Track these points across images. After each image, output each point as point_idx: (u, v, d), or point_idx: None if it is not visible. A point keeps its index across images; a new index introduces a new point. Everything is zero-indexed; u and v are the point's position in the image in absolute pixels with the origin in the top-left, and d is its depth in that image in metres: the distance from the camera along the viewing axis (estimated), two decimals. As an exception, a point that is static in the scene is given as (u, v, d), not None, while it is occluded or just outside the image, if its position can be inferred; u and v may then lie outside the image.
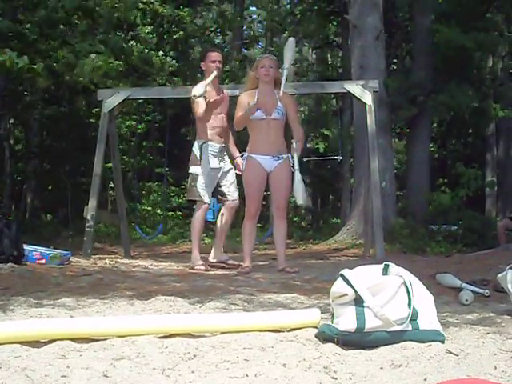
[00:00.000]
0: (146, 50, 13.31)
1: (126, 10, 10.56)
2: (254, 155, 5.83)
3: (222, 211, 6.53)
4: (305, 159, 15.54)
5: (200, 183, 6.14)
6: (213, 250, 6.58)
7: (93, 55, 8.38)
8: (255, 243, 6.67)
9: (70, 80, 9.26)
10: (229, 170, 6.35)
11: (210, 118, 6.20)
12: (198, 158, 6.16)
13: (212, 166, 6.17)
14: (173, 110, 14.64)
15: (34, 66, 7.59)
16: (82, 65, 8.27)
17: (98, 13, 9.69)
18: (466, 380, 1.93)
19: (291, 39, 6.26)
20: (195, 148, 6.22)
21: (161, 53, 13.40)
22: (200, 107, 6.11)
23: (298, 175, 5.77)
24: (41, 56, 8.47)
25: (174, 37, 16.71)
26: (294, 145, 5.80)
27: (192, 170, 6.22)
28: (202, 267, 5.99)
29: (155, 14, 15.73)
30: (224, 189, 6.33)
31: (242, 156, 6.11)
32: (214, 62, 6.28)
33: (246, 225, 5.93)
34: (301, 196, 5.81)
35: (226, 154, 6.37)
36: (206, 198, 6.18)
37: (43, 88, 11.31)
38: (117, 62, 9.11)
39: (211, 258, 6.51)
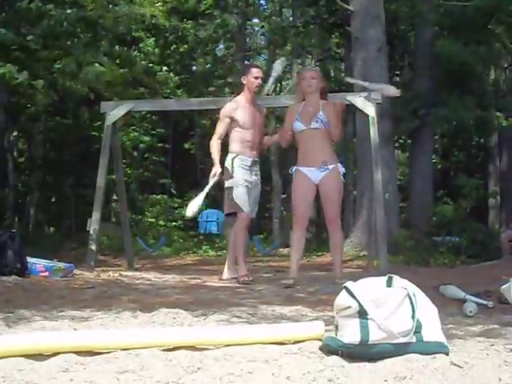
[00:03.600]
0: (151, 65, 13.36)
1: (130, 25, 10.59)
2: (300, 167, 5.81)
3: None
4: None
5: (236, 194, 6.07)
6: (227, 266, 6.39)
7: (96, 64, 8.40)
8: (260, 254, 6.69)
9: (73, 89, 9.28)
10: (256, 185, 6.31)
11: (239, 133, 6.21)
12: (230, 171, 6.13)
13: (245, 178, 6.14)
14: (176, 121, 14.68)
15: (34, 83, 7.59)
16: (85, 72, 8.27)
17: (101, 25, 9.72)
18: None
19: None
20: (227, 162, 6.19)
21: (165, 68, 13.46)
22: (220, 128, 6.23)
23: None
24: (43, 66, 8.48)
25: (177, 48, 16.80)
26: None
27: (226, 184, 6.17)
28: (247, 278, 5.90)
29: (159, 27, 15.81)
30: None
31: (290, 170, 6.05)
32: (256, 78, 6.29)
33: (294, 233, 5.90)
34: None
35: (257, 168, 6.33)
36: (246, 207, 6.09)
37: (46, 103, 11.34)
38: (122, 69, 9.12)
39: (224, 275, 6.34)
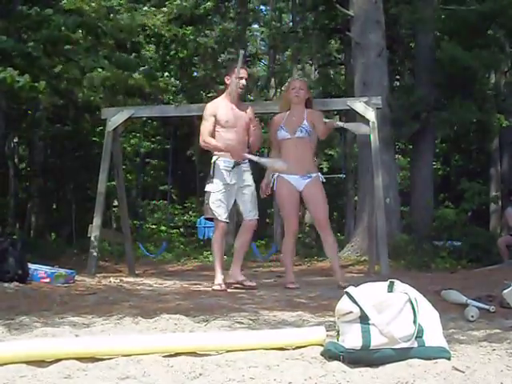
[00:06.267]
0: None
1: (131, 32, 10.61)
2: (283, 175, 5.92)
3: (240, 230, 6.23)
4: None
5: (212, 200, 5.90)
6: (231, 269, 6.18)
7: (99, 69, 8.41)
8: (260, 260, 6.69)
9: (80, 97, 9.30)
10: (245, 186, 6.03)
11: (220, 135, 6.00)
12: (211, 174, 5.95)
13: (225, 183, 5.92)
14: (176, 127, 14.68)
15: (36, 84, 7.60)
16: (89, 78, 8.29)
17: (102, 29, 9.73)
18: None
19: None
20: (212, 165, 6.02)
21: (166, 74, 13.45)
22: (206, 128, 6.01)
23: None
24: (44, 73, 8.49)
25: (176, 55, 16.80)
26: None
27: (206, 187, 5.99)
28: (218, 287, 5.72)
29: (159, 35, 15.82)
30: (240, 207, 6.07)
31: (272, 176, 6.04)
32: (240, 78, 6.09)
33: (287, 241, 6.10)
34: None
35: (245, 169, 6.05)
36: (222, 216, 5.88)
37: (48, 106, 11.35)
38: (126, 72, 9.12)
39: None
